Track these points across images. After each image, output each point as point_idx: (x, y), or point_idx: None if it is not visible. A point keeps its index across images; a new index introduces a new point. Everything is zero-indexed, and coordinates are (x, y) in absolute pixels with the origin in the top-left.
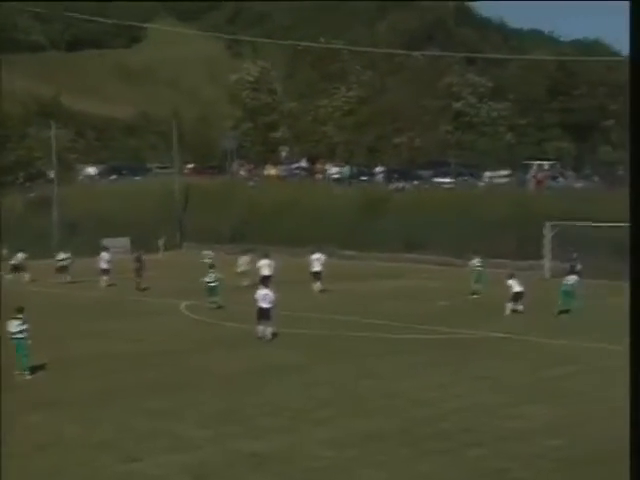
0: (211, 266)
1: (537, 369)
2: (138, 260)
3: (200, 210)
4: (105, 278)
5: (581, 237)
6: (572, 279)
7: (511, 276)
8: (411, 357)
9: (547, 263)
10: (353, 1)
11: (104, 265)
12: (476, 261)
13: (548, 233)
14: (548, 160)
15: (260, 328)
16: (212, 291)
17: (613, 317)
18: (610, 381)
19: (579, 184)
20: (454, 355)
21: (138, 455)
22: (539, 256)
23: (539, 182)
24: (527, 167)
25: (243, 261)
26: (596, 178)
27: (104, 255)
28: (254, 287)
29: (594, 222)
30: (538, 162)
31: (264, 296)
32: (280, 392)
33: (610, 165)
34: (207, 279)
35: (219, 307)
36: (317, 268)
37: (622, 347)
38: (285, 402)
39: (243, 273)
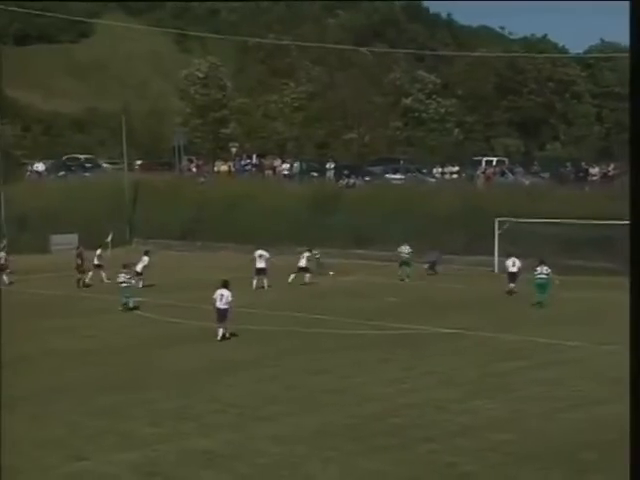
0: (124, 265)
1: (487, 364)
2: (79, 256)
3: (150, 206)
4: (53, 275)
5: (530, 233)
6: (545, 271)
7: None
8: (361, 353)
9: (496, 259)
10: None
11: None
12: (404, 249)
13: (497, 229)
14: (497, 157)
15: (220, 330)
16: (123, 291)
17: (566, 311)
18: (560, 376)
19: (528, 180)
20: (405, 351)
21: (87, 454)
22: (489, 252)
23: (488, 178)
24: (476, 163)
25: (142, 261)
26: (545, 175)
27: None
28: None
29: (543, 218)
30: (487, 159)
31: (221, 296)
32: (229, 389)
33: (558, 162)
34: (119, 279)
35: (129, 309)
36: (261, 265)
37: (576, 342)
38: (234, 399)
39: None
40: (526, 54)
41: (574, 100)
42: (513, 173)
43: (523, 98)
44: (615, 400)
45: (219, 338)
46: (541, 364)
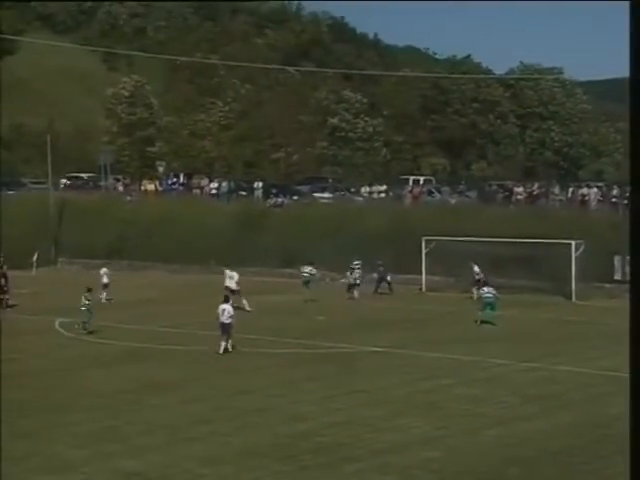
0: (89, 289)
1: (414, 382)
2: (3, 276)
3: (76, 226)
4: None
5: (456, 252)
6: (492, 290)
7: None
8: (289, 372)
9: (424, 277)
10: (229, 17)
11: None
12: (307, 269)
13: (424, 248)
14: (424, 176)
15: (222, 343)
16: (83, 315)
17: (491, 329)
18: (485, 393)
19: (454, 199)
20: (332, 369)
21: (13, 477)
22: (417, 270)
23: (415, 197)
24: (403, 183)
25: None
26: (471, 194)
27: None
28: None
29: (469, 237)
30: (414, 178)
31: (222, 311)
32: (157, 410)
33: (484, 181)
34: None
35: (90, 332)
36: (231, 285)
37: (501, 359)
38: (161, 420)
39: None
40: (450, 75)
41: (498, 120)
42: (440, 192)
43: (447, 118)
44: (538, 416)
45: (221, 351)
46: (466, 381)
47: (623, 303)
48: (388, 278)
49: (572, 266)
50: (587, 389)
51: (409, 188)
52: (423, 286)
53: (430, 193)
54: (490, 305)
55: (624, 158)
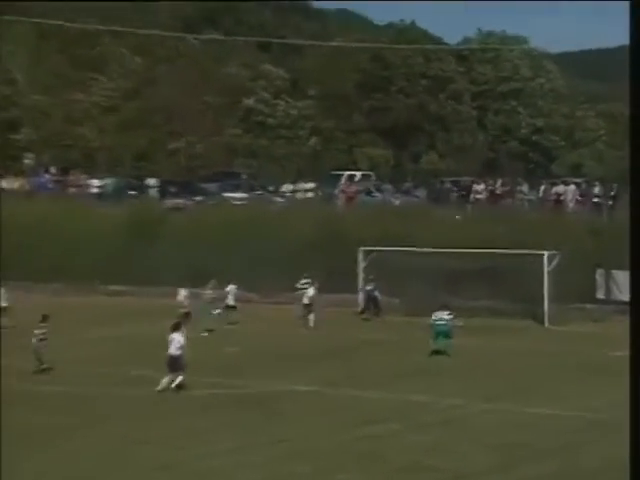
0: (44, 317)
1: (351, 429)
2: None
3: None
4: None
5: (402, 265)
6: (446, 315)
7: None
8: (195, 418)
9: (361, 297)
10: None
11: None
12: (209, 291)
13: (361, 260)
14: (361, 171)
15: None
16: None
17: (444, 362)
18: (438, 441)
19: (398, 200)
20: (250, 414)
21: None
22: (353, 288)
23: (350, 197)
24: (335, 179)
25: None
26: (419, 193)
27: None
28: None
29: (417, 246)
30: (348, 173)
31: (171, 341)
32: (38, 462)
33: (435, 176)
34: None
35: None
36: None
37: (455, 399)
38: (44, 475)
39: None
40: (392, 45)
41: (452, 101)
42: (381, 191)
43: (390, 99)
44: (502, 469)
45: (159, 388)
46: (415, 427)
47: (607, 328)
48: (377, 295)
49: (544, 282)
50: (562, 435)
51: (343, 186)
52: (360, 308)
53: (369, 192)
54: (441, 333)
55: (607, 148)
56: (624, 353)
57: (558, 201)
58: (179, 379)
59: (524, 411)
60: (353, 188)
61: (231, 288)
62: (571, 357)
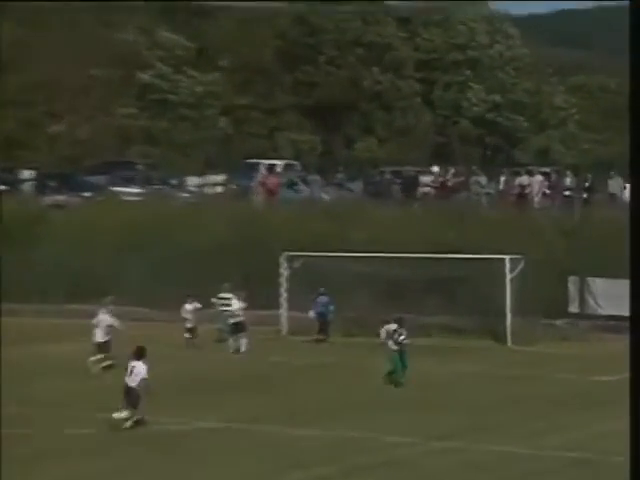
0: None
1: (269, 474)
2: None
3: None
4: None
5: (335, 273)
6: (403, 335)
7: None
8: (86, 463)
9: (285, 313)
10: None
11: None
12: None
13: (285, 268)
14: (283, 159)
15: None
16: None
17: (387, 391)
18: None
19: (329, 195)
20: (146, 456)
21: None
22: (274, 303)
23: (270, 192)
24: (252, 169)
25: None
26: (354, 186)
27: None
28: None
29: (352, 251)
30: (268, 162)
31: (131, 370)
32: None
33: (373, 166)
34: None
35: None
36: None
37: (402, 436)
38: None
39: None
40: (320, 7)
41: (391, 74)
42: (307, 184)
43: (318, 72)
44: None
45: (116, 416)
46: (352, 470)
47: (583, 348)
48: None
49: (506, 293)
50: None
51: (261, 178)
52: (284, 327)
53: (293, 185)
54: (397, 357)
55: (580, 130)
56: (606, 378)
57: (522, 195)
58: (134, 416)
59: (484, 449)
60: (274, 180)
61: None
62: (540, 384)
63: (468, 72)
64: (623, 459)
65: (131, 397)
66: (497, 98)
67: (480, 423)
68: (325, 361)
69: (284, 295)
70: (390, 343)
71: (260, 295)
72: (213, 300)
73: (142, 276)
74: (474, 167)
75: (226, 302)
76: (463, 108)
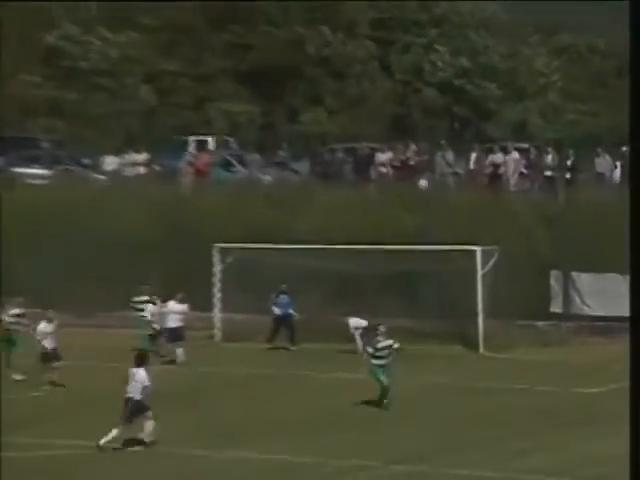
0: None
1: None
2: None
3: None
4: None
5: (277, 268)
6: (385, 341)
7: None
8: None
9: (218, 315)
10: None
11: None
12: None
13: (218, 263)
14: (215, 134)
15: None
16: None
17: (343, 409)
18: None
19: (269, 175)
20: None
21: None
22: (206, 304)
23: (200, 172)
24: (178, 147)
25: None
26: (299, 165)
27: None
28: None
29: (297, 243)
30: (197, 138)
31: (132, 376)
32: None
33: (322, 142)
34: None
35: None
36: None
37: (360, 459)
38: None
39: None
40: None
41: (342, 33)
42: (244, 163)
43: (256, 31)
44: None
45: (107, 439)
46: None
47: (567, 354)
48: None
49: (478, 291)
50: None
51: (189, 157)
52: (217, 332)
53: (227, 165)
54: (380, 370)
55: (564, 100)
56: (594, 389)
57: (495, 175)
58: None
59: (455, 475)
60: (204, 160)
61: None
62: (517, 397)
63: (433, 32)
64: None
65: (131, 409)
66: (466, 62)
67: (448, 443)
68: (265, 372)
69: (217, 295)
70: (382, 355)
71: (189, 295)
72: (134, 302)
73: (49, 274)
74: (441, 142)
75: (141, 307)
76: (426, 74)
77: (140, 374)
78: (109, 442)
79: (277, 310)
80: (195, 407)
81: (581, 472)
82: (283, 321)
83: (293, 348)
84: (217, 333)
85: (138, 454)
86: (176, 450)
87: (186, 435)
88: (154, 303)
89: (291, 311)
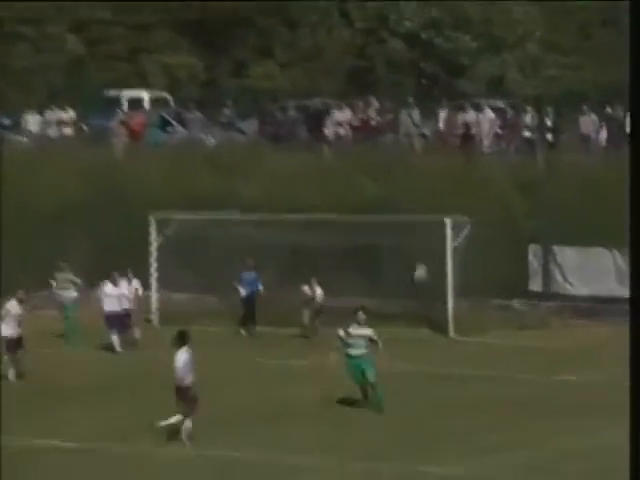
0: None
1: None
2: None
3: None
4: None
5: (222, 242)
6: (363, 329)
7: None
8: None
9: (154, 295)
10: None
11: None
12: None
13: (154, 234)
14: (150, 90)
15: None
16: None
17: (297, 400)
18: None
19: (213, 137)
20: None
21: None
22: (143, 281)
23: (133, 132)
24: (110, 104)
25: None
26: (246, 125)
27: None
28: None
29: (245, 212)
30: (131, 94)
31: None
32: None
33: (272, 99)
34: None
35: None
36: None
37: (313, 456)
38: None
39: None
40: None
41: None
42: (184, 123)
43: None
44: None
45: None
46: None
47: (548, 338)
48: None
49: (448, 267)
50: None
51: (122, 116)
52: (154, 312)
53: (165, 125)
54: (356, 364)
55: (545, 52)
56: (576, 377)
57: (467, 136)
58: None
59: (423, 472)
60: (139, 119)
61: None
62: (491, 386)
63: None
64: None
65: (185, 399)
66: (434, 11)
67: (414, 438)
68: (208, 357)
69: (155, 272)
70: (359, 349)
71: (123, 272)
72: (52, 281)
73: None
74: (409, 99)
75: (62, 285)
76: (391, 22)
77: (183, 356)
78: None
79: (243, 291)
80: (128, 400)
81: (562, 468)
82: (251, 301)
83: (243, 332)
84: (155, 315)
85: (71, 452)
86: (108, 446)
87: (118, 430)
88: (75, 283)
89: (260, 288)
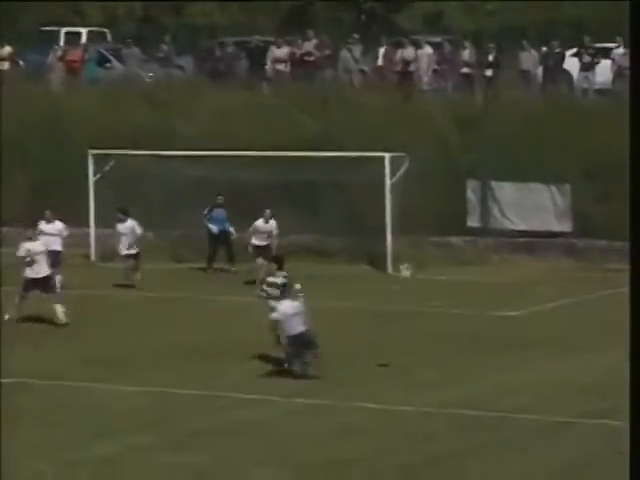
0: None
1: (72, 445)
2: None
3: None
4: None
5: (159, 178)
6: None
7: None
8: None
9: (93, 232)
10: None
11: None
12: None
13: (92, 172)
14: (88, 27)
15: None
16: None
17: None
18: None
19: (151, 73)
20: None
21: None
22: (81, 218)
23: (71, 68)
24: (47, 40)
25: None
26: (184, 61)
27: None
28: None
29: (182, 149)
30: (67, 30)
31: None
32: None
33: (210, 35)
34: None
35: None
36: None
37: (254, 394)
38: None
39: None
40: None
41: None
42: (121, 59)
43: None
44: None
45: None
46: (184, 438)
47: (487, 274)
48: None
49: (386, 203)
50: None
51: (59, 51)
52: (92, 251)
53: (103, 61)
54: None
55: None
56: (515, 312)
57: (406, 72)
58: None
59: (361, 408)
60: (76, 54)
61: None
62: (430, 322)
63: None
64: (536, 418)
65: (301, 345)
66: None
67: (352, 375)
68: (147, 295)
69: (92, 207)
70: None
71: (60, 209)
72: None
73: None
74: (353, 36)
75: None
76: None
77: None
78: None
79: (214, 228)
80: (70, 335)
81: (496, 404)
82: (220, 239)
83: (233, 269)
84: (93, 252)
85: (12, 387)
86: (49, 383)
87: (60, 366)
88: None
89: (230, 228)
